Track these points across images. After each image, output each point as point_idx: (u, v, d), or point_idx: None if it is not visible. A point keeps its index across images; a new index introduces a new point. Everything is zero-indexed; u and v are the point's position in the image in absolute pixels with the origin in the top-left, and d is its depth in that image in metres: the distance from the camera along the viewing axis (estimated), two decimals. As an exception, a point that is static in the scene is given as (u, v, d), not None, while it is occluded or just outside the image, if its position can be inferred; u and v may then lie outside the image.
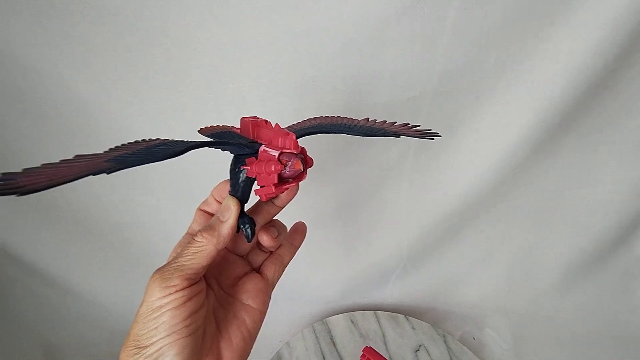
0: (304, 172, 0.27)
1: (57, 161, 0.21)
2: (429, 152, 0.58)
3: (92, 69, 0.44)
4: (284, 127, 0.33)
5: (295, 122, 0.35)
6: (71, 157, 0.22)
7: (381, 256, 0.70)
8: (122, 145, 0.25)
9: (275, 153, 0.26)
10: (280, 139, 0.26)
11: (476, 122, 0.54)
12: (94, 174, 0.19)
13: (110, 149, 0.24)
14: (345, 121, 0.33)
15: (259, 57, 0.45)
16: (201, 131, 0.34)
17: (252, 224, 0.29)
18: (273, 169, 0.26)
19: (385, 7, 0.42)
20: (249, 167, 0.27)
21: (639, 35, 0.45)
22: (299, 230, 0.36)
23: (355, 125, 0.31)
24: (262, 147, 0.27)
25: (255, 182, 0.28)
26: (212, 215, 0.33)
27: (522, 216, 0.67)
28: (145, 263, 0.64)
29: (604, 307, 0.74)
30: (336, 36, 0.44)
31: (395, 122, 0.32)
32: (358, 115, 0.52)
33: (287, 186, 0.27)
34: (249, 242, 0.29)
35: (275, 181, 0.26)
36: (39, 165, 0.20)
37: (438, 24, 0.44)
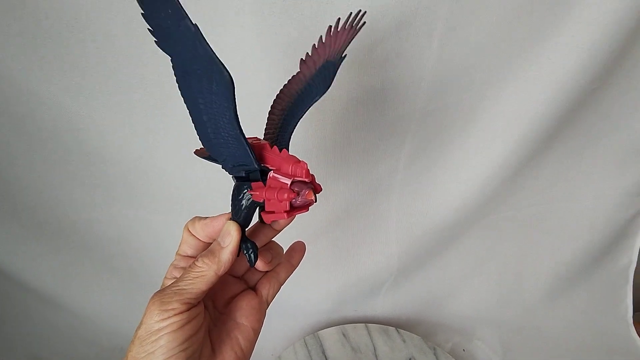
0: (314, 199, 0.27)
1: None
2: (418, 167, 0.59)
3: (85, 90, 0.45)
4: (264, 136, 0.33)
5: (265, 122, 0.34)
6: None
7: (372, 269, 0.70)
8: None
9: (287, 181, 0.26)
10: (291, 167, 0.26)
11: (463, 138, 0.55)
12: None
13: None
14: (294, 87, 0.32)
15: (248, 79, 0.46)
16: (197, 152, 0.34)
17: (255, 249, 0.29)
18: (286, 197, 0.25)
19: (373, 28, 0.43)
20: (256, 192, 0.27)
21: (618, 56, 0.47)
22: (297, 249, 0.36)
23: (311, 90, 0.30)
24: (272, 173, 0.26)
25: (258, 205, 0.28)
26: (200, 240, 0.32)
27: (509, 230, 0.68)
28: (136, 279, 0.65)
29: (591, 317, 0.75)
30: None
31: (334, 28, 0.32)
32: (345, 133, 0.53)
33: (297, 212, 0.27)
34: (251, 266, 0.29)
35: (287, 209, 0.26)
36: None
37: (425, 44, 0.45)
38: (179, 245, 0.32)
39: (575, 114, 0.53)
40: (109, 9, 0.40)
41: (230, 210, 0.30)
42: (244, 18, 0.41)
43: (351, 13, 0.32)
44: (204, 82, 0.23)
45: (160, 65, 0.44)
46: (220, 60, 0.21)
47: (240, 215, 0.29)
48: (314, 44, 0.32)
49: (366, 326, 0.75)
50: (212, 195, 0.49)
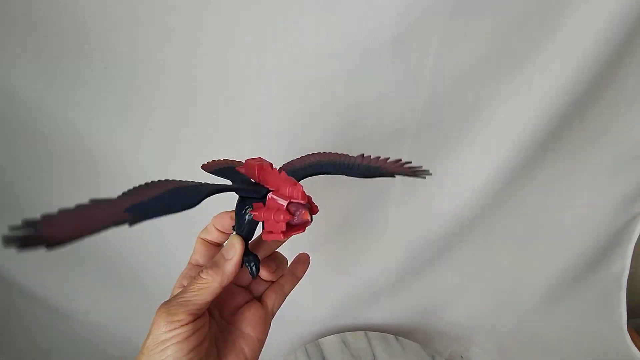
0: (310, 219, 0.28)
1: (72, 207, 0.22)
2: (414, 180, 0.60)
3: (96, 108, 0.47)
4: (286, 163, 0.35)
5: (294, 158, 0.37)
6: (86, 202, 0.23)
7: (371, 278, 0.71)
8: (134, 188, 0.26)
9: (284, 203, 0.27)
10: (288, 188, 0.27)
11: (458, 151, 0.57)
12: (117, 225, 0.20)
13: (124, 193, 0.25)
14: (342, 159, 0.34)
15: (250, 94, 0.48)
16: (204, 167, 0.36)
17: (257, 261, 0.30)
18: (282, 218, 0.26)
19: (370, 45, 0.45)
20: (256, 212, 0.28)
21: (607, 69, 0.49)
22: (302, 261, 0.37)
23: (352, 165, 0.32)
24: (270, 195, 0.28)
25: (261, 224, 0.29)
26: (212, 243, 0.34)
27: (504, 239, 0.69)
28: (142, 289, 0.66)
29: (586, 324, 0.76)
30: (323, 71, 0.47)
31: (389, 159, 0.33)
32: (345, 146, 0.54)
33: (294, 233, 0.28)
34: (253, 278, 0.31)
35: (284, 229, 0.27)
36: (54, 209, 0.21)
37: (420, 61, 0.47)
38: (192, 255, 0.33)
39: (565, 127, 0.55)
40: (116, 31, 0.42)
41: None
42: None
43: (419, 167, 0.32)
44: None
45: (169, 85, 0.46)
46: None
47: (243, 229, 0.30)
48: (379, 156, 0.34)
49: (366, 334, 0.76)
50: (218, 208, 0.50)
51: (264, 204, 0.28)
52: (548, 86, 0.50)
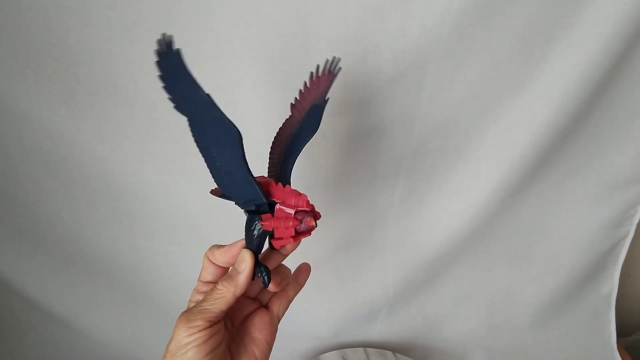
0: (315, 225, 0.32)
1: None
2: (412, 202, 0.63)
3: (111, 134, 0.50)
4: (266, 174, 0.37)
5: (268, 162, 0.38)
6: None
7: (370, 296, 0.73)
8: None
9: (292, 211, 0.31)
10: (294, 199, 0.31)
11: (452, 177, 0.60)
12: None
13: None
14: (289, 129, 0.36)
15: (251, 116, 0.50)
16: (213, 192, 0.38)
17: (268, 272, 0.33)
18: (291, 225, 0.30)
19: (371, 83, 0.48)
20: (266, 223, 0.31)
21: (591, 101, 0.52)
22: (303, 269, 0.40)
23: (304, 130, 0.35)
24: (278, 206, 0.31)
25: (268, 234, 0.33)
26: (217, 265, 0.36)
27: (496, 260, 0.72)
28: (154, 307, 0.68)
29: (577, 342, 0.78)
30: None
31: (306, 84, 0.36)
32: (345, 172, 0.58)
33: (302, 237, 0.32)
34: (265, 287, 0.33)
35: (293, 234, 0.31)
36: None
37: (415, 96, 0.51)
38: (200, 272, 0.36)
39: (554, 153, 0.58)
40: (131, 59, 0.44)
41: (244, 238, 0.34)
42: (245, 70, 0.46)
43: (327, 60, 0.37)
44: (216, 136, 0.27)
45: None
46: (229, 119, 0.25)
47: (253, 243, 0.33)
48: (300, 89, 0.37)
49: (365, 350, 0.76)
50: (226, 227, 0.52)
51: (272, 215, 0.31)
52: (536, 116, 0.53)
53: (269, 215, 0.32)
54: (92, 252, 0.61)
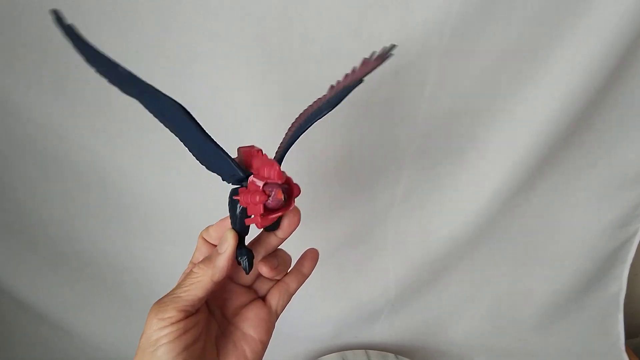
0: (290, 201, 0.27)
1: None
2: (414, 201, 0.62)
3: (106, 131, 0.49)
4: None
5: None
6: None
7: (371, 296, 0.72)
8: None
9: (260, 184, 0.26)
10: (265, 169, 0.26)
11: (455, 175, 0.59)
12: None
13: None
14: (314, 107, 0.31)
15: (249, 124, 0.49)
16: None
17: (250, 256, 0.29)
18: (258, 200, 0.25)
19: (372, 77, 0.47)
20: (240, 197, 0.27)
21: (597, 97, 0.51)
22: (309, 257, 0.34)
23: (322, 105, 0.30)
24: (251, 177, 0.26)
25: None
26: (213, 245, 0.33)
27: (501, 260, 0.70)
28: (144, 306, 0.66)
29: (584, 344, 0.76)
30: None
31: (355, 68, 0.31)
32: (344, 172, 0.56)
33: (273, 216, 0.27)
34: (247, 274, 0.29)
35: (261, 211, 0.26)
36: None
37: (418, 92, 0.49)
38: (193, 253, 0.33)
39: (558, 151, 0.57)
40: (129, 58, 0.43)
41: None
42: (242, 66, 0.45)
43: (384, 47, 0.31)
44: (166, 115, 0.24)
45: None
46: (162, 93, 0.23)
47: (235, 222, 0.29)
48: (346, 73, 0.31)
49: (366, 352, 0.76)
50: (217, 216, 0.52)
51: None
52: (541, 113, 0.52)
53: (243, 189, 0.27)
54: (84, 251, 0.60)
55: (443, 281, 0.72)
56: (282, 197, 0.26)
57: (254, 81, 0.46)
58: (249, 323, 0.31)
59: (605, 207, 0.64)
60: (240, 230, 0.29)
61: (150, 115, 0.47)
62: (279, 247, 0.33)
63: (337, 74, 0.32)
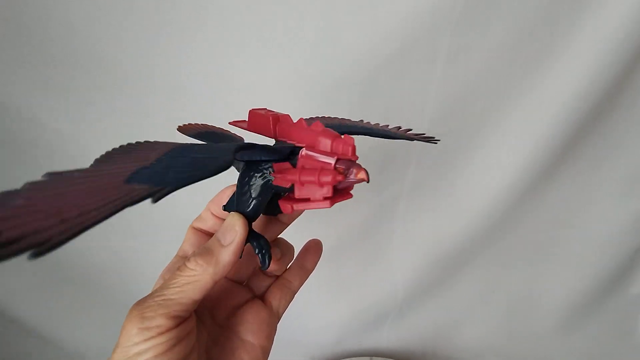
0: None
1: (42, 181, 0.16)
2: (422, 194, 0.59)
3: (92, 124, 0.47)
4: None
5: (310, 118, 0.32)
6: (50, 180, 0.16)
7: (376, 299, 0.69)
8: (116, 150, 0.21)
9: (332, 160, 0.21)
10: (332, 142, 0.22)
11: (466, 165, 0.56)
12: (134, 202, 0.14)
13: (98, 160, 0.21)
14: (362, 124, 0.31)
15: (252, 103, 0.47)
16: (181, 129, 0.31)
17: (268, 247, 0.24)
18: (330, 179, 0.21)
19: (377, 53, 0.45)
20: (279, 175, 0.22)
21: (620, 80, 0.48)
22: (312, 249, 0.30)
23: (373, 129, 0.29)
24: (304, 151, 0.22)
25: (276, 192, 0.24)
26: (208, 233, 0.28)
27: (516, 259, 0.67)
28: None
29: (605, 348, 0.73)
30: (327, 80, 0.47)
31: (400, 128, 0.32)
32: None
33: (340, 199, 0.23)
34: (264, 269, 0.25)
35: (330, 194, 0.21)
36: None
37: (428, 70, 0.47)
38: (181, 245, 0.28)
39: (578, 140, 0.54)
40: (116, 45, 0.42)
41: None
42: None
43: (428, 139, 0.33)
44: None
45: (164, 102, 0.46)
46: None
47: (249, 204, 0.24)
48: (398, 126, 0.34)
49: (371, 359, 0.73)
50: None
51: (293, 165, 0.23)
52: (559, 98, 0.49)
53: (286, 164, 0.23)
54: (65, 255, 0.56)
55: (453, 282, 0.69)
56: (366, 177, 0.21)
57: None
58: (247, 327, 0.26)
59: (627, 202, 0.61)
60: (252, 216, 0.24)
61: (147, 115, 0.47)
62: (279, 236, 0.29)
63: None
